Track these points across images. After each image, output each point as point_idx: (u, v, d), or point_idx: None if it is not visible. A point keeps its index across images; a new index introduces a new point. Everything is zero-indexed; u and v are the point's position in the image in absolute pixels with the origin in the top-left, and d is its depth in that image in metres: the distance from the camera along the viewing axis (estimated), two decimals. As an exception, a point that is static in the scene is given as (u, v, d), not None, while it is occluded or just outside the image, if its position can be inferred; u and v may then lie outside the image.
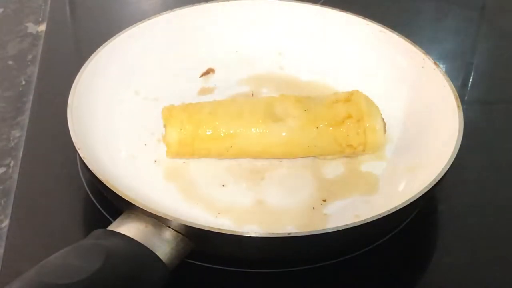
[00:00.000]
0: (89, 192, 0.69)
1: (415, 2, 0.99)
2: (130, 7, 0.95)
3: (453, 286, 0.63)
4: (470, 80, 0.85)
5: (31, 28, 0.92)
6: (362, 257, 0.64)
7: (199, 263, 0.62)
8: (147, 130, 0.73)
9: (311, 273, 0.62)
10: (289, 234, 0.57)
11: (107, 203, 0.66)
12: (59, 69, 0.84)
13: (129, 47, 0.77)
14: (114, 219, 0.62)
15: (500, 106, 0.82)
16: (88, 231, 0.61)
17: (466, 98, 0.83)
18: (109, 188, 0.59)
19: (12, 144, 0.75)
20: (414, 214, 0.67)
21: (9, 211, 0.67)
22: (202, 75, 0.80)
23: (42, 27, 0.92)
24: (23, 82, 0.84)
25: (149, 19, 0.80)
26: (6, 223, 0.67)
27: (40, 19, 0.94)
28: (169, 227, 0.57)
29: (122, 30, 0.77)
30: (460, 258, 0.65)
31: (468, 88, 0.85)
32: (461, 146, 0.65)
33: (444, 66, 0.76)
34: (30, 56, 0.88)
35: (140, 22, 0.79)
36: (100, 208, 0.67)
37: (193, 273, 0.62)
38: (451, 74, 0.73)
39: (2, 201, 0.69)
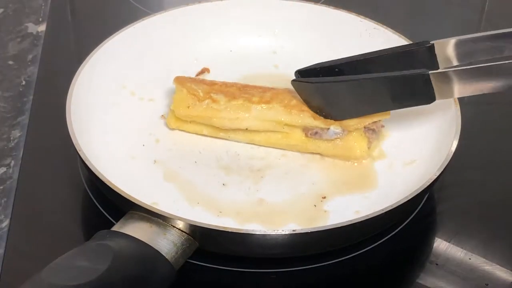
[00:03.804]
0: (89, 192, 0.69)
1: (416, 3, 0.99)
2: (130, 7, 0.95)
3: (453, 286, 0.63)
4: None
5: (31, 28, 0.92)
6: (362, 257, 0.64)
7: (201, 263, 0.62)
8: (145, 130, 0.73)
9: (311, 273, 0.63)
10: (294, 231, 0.57)
11: (107, 203, 0.66)
12: (59, 69, 0.84)
13: (123, 47, 0.78)
14: (114, 219, 0.63)
15: (500, 106, 0.82)
16: (89, 230, 0.61)
17: (466, 98, 0.83)
18: (112, 189, 0.60)
19: (13, 144, 0.75)
20: (414, 213, 0.67)
21: (9, 211, 0.68)
22: (197, 75, 0.80)
23: (42, 27, 0.92)
24: (23, 82, 0.84)
25: (143, 20, 0.80)
26: (6, 223, 0.67)
27: (40, 19, 0.94)
28: (174, 226, 0.57)
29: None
30: (458, 258, 0.65)
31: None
32: (460, 146, 0.65)
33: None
34: (30, 56, 0.88)
35: (134, 23, 0.80)
36: (100, 208, 0.67)
37: (194, 273, 0.62)
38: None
39: (3, 201, 0.69)
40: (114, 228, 0.57)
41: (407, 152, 0.71)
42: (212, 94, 0.71)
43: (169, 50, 0.81)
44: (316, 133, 0.70)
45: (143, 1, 0.96)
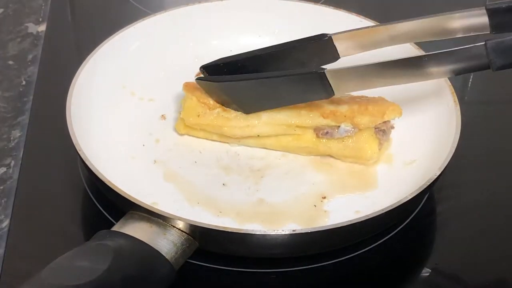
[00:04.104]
0: (89, 192, 0.69)
1: (416, 3, 0.99)
2: (130, 7, 0.95)
3: (453, 287, 0.63)
4: (470, 80, 0.86)
5: (32, 28, 0.92)
6: (361, 257, 0.64)
7: (201, 263, 0.62)
8: (145, 130, 0.74)
9: (311, 273, 0.63)
10: (294, 231, 0.58)
11: (107, 203, 0.66)
12: (59, 69, 0.84)
13: (123, 48, 0.78)
14: (114, 219, 0.63)
15: (500, 106, 0.82)
16: (89, 230, 0.61)
17: (466, 98, 0.83)
18: (112, 189, 0.60)
19: (13, 144, 0.75)
20: (414, 213, 0.67)
21: (9, 211, 0.68)
22: (197, 75, 0.80)
23: (43, 27, 0.92)
24: (24, 82, 0.84)
25: (143, 20, 0.80)
26: (6, 223, 0.67)
27: (40, 19, 0.94)
28: (174, 226, 0.57)
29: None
30: (459, 258, 0.65)
31: (468, 88, 0.85)
32: (460, 146, 0.65)
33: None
34: (30, 56, 0.88)
35: (134, 23, 0.80)
36: (100, 207, 0.67)
37: (194, 273, 0.62)
38: (451, 74, 0.74)
39: (3, 201, 0.69)
40: (114, 228, 0.57)
41: (407, 152, 0.71)
42: None
43: (169, 50, 0.81)
44: (327, 132, 0.70)
45: (143, 1, 0.96)
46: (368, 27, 0.71)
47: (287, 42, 0.72)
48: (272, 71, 0.70)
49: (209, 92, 0.71)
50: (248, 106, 0.70)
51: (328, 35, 0.70)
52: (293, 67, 0.71)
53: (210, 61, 0.73)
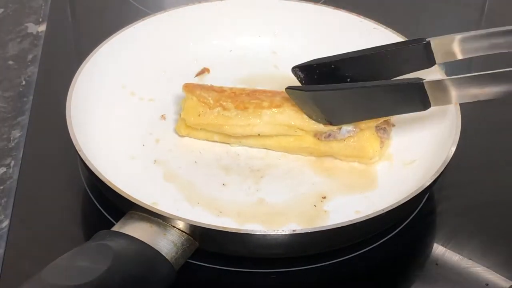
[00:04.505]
0: (89, 192, 0.69)
1: (416, 3, 0.99)
2: (130, 7, 0.95)
3: (453, 286, 0.63)
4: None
5: (32, 28, 0.92)
6: (362, 257, 0.64)
7: (201, 263, 0.62)
8: (145, 130, 0.74)
9: (311, 273, 0.63)
10: (294, 231, 0.58)
11: (107, 203, 0.66)
12: (59, 69, 0.84)
13: (123, 47, 0.78)
14: (114, 219, 0.63)
15: (500, 106, 0.82)
16: (89, 230, 0.61)
17: (465, 98, 0.83)
18: (112, 189, 0.60)
19: (13, 144, 0.75)
20: (414, 213, 0.67)
21: (9, 211, 0.68)
22: (197, 75, 0.80)
23: (42, 27, 0.92)
24: (23, 82, 0.84)
25: (143, 20, 0.80)
26: (6, 223, 0.67)
27: (40, 19, 0.94)
28: (174, 226, 0.57)
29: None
30: (458, 258, 0.65)
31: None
32: (460, 146, 0.65)
33: (444, 66, 0.76)
34: (30, 56, 0.88)
35: (134, 23, 0.80)
36: (100, 207, 0.67)
37: (194, 273, 0.62)
38: (451, 74, 0.73)
39: (3, 201, 0.69)
40: (114, 228, 0.57)
41: (407, 152, 0.71)
42: (222, 102, 0.71)
43: (169, 50, 0.81)
44: (329, 135, 0.70)
45: (143, 1, 0.96)
46: (469, 32, 0.67)
47: (382, 46, 0.71)
48: (365, 74, 0.69)
49: (298, 101, 0.69)
50: (338, 117, 0.68)
51: (426, 40, 0.68)
52: (387, 71, 0.69)
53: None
